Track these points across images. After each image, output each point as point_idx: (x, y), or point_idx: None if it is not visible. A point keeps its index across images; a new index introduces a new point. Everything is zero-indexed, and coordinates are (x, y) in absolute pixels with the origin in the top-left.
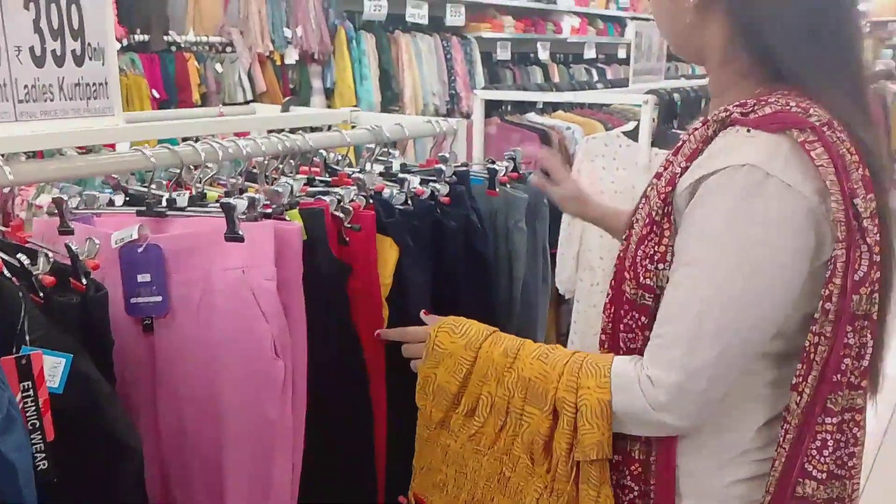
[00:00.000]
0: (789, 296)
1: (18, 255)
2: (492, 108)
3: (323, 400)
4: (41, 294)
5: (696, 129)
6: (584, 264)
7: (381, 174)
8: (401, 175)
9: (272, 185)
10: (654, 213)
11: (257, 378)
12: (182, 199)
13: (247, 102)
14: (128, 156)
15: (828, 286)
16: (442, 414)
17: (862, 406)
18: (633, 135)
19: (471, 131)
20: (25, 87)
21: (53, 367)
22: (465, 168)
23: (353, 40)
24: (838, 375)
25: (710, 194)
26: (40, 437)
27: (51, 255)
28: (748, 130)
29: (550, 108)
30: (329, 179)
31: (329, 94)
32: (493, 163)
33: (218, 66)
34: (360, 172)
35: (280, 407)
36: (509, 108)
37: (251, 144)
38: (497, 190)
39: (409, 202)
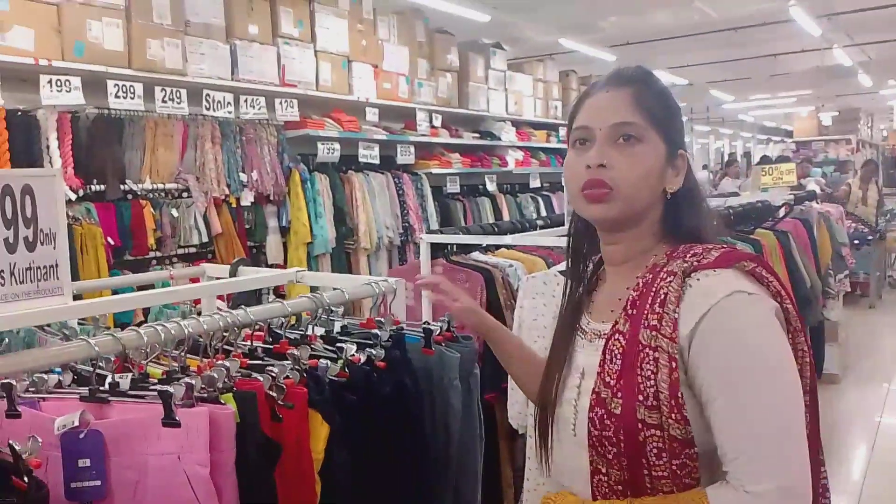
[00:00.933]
0: None
1: None
2: (438, 249)
3: None
4: None
5: (669, 281)
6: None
7: (322, 337)
8: (338, 343)
9: (216, 355)
10: (658, 355)
11: None
12: (125, 382)
13: (202, 244)
14: (73, 346)
15: (798, 365)
16: None
17: None
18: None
19: (417, 271)
20: None
21: None
22: (401, 331)
23: (307, 181)
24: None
25: (719, 321)
26: None
27: None
28: (714, 271)
29: (494, 246)
30: (271, 347)
31: (284, 231)
32: (429, 324)
33: (174, 211)
34: (299, 340)
35: None
36: (454, 248)
37: (193, 324)
38: (433, 349)
39: (346, 369)
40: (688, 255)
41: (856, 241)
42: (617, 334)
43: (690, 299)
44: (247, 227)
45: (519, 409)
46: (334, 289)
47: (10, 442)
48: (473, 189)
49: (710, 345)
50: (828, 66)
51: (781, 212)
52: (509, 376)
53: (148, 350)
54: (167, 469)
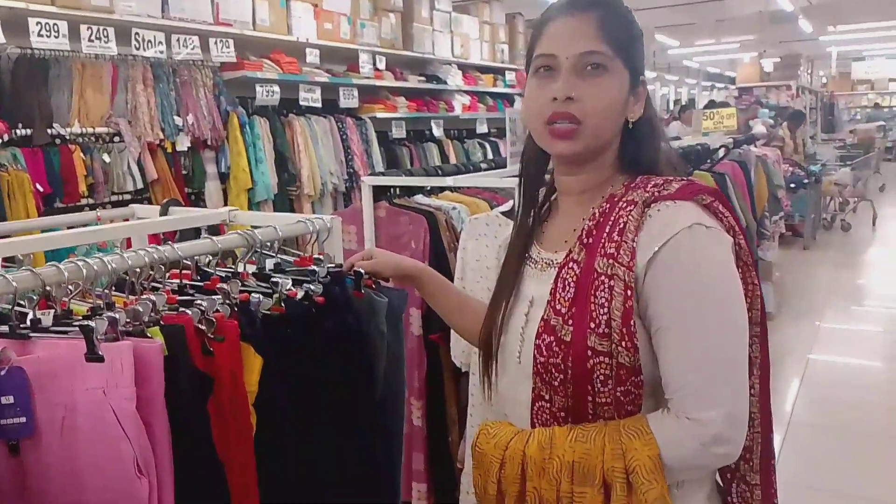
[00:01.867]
0: None
1: None
2: (381, 192)
3: None
4: None
5: (630, 210)
6: None
7: (254, 274)
8: (273, 278)
9: (142, 293)
10: (613, 283)
11: (122, 497)
12: (47, 318)
13: (137, 191)
14: None
15: (748, 298)
16: None
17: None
18: (511, 213)
19: (360, 215)
20: None
21: None
22: (339, 268)
23: (245, 125)
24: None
25: (676, 252)
26: None
27: None
28: (674, 202)
29: (438, 189)
30: (201, 284)
31: (224, 178)
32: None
33: (105, 157)
34: (230, 277)
35: None
36: (398, 191)
37: (117, 259)
38: (363, 292)
39: (283, 304)
40: (648, 186)
41: (792, 185)
42: (571, 263)
43: (650, 229)
44: (184, 173)
45: (463, 348)
46: (268, 226)
47: None
48: (420, 135)
49: (665, 275)
50: (771, 10)
51: (720, 153)
52: None
53: (70, 287)
54: (93, 405)
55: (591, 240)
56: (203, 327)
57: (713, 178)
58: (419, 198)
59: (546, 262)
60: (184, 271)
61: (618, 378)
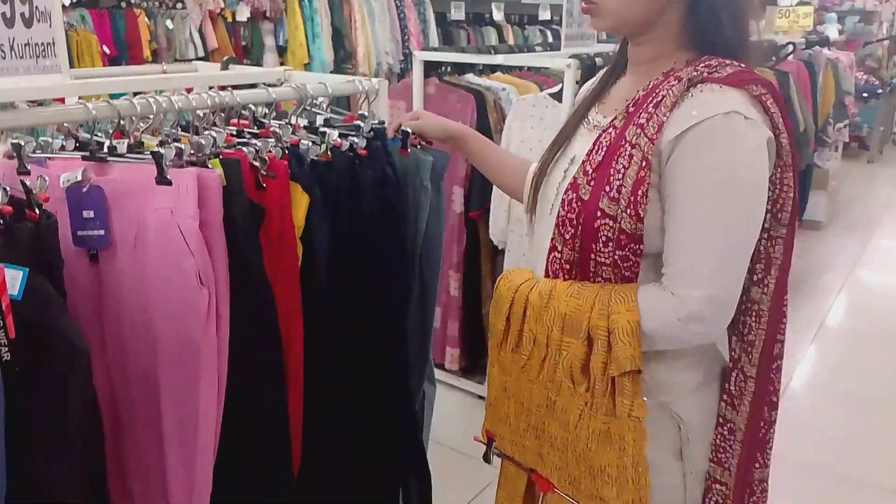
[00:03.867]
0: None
1: None
2: (432, 68)
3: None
4: (1, 221)
5: (672, 85)
6: (515, 217)
7: (305, 128)
8: (321, 129)
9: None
10: (633, 152)
11: (184, 305)
12: (122, 146)
13: (198, 59)
14: (72, 108)
15: (780, 199)
16: (496, 351)
17: None
18: (559, 96)
19: (410, 91)
20: None
21: (13, 279)
22: (382, 125)
23: None
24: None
25: (707, 136)
26: (4, 334)
27: (9, 189)
28: (720, 86)
29: (489, 69)
30: (257, 132)
31: (282, 52)
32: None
33: (168, 23)
34: (281, 126)
35: (204, 331)
36: (449, 69)
37: (182, 99)
38: (409, 150)
39: (329, 153)
40: (700, 65)
41: (864, 94)
42: (611, 128)
43: (685, 108)
44: (243, 44)
45: (500, 227)
46: (319, 83)
47: (21, 179)
48: (479, 17)
49: (688, 157)
50: None
51: (788, 50)
52: (492, 196)
53: (142, 123)
54: (162, 223)
55: (633, 108)
56: (257, 164)
57: (774, 76)
58: (470, 77)
59: (595, 125)
60: (242, 120)
61: (618, 242)
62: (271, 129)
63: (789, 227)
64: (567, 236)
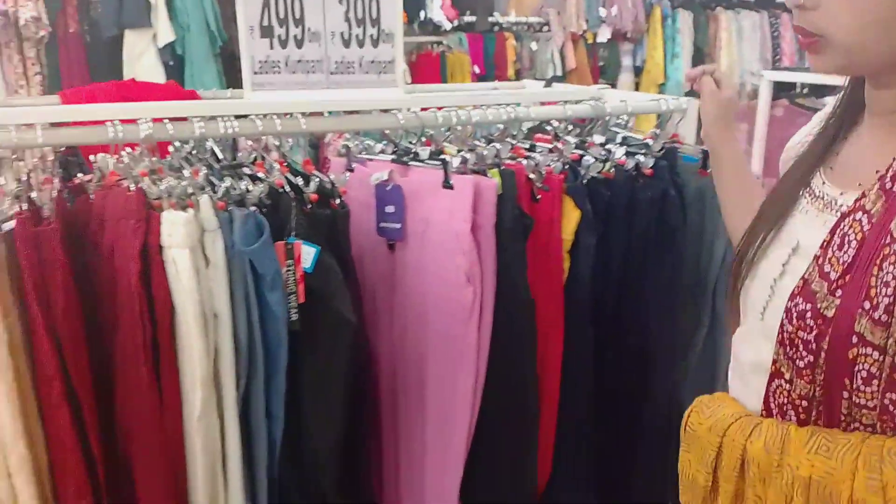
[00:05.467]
0: None
1: (298, 178)
2: (784, 89)
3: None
4: (308, 206)
5: None
6: None
7: (601, 144)
8: (608, 146)
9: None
10: None
11: (452, 300)
12: (424, 153)
13: (555, 78)
14: (383, 117)
15: None
16: None
17: None
18: None
19: (753, 113)
20: (336, 63)
21: (308, 254)
22: (673, 144)
23: (668, 18)
24: None
25: None
26: (294, 298)
27: (318, 180)
28: None
29: None
30: (549, 147)
31: (638, 72)
32: None
33: (533, 45)
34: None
35: (466, 326)
36: (805, 90)
37: (479, 113)
38: (709, 171)
39: (612, 171)
40: None
41: None
42: (860, 212)
43: None
44: (600, 64)
45: None
46: (621, 101)
47: (329, 174)
48: None
49: None
50: None
51: None
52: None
53: (442, 130)
54: (442, 223)
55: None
56: (533, 177)
57: None
58: (828, 100)
59: (827, 203)
60: (542, 135)
61: (890, 381)
62: (554, 145)
63: None
64: (801, 364)
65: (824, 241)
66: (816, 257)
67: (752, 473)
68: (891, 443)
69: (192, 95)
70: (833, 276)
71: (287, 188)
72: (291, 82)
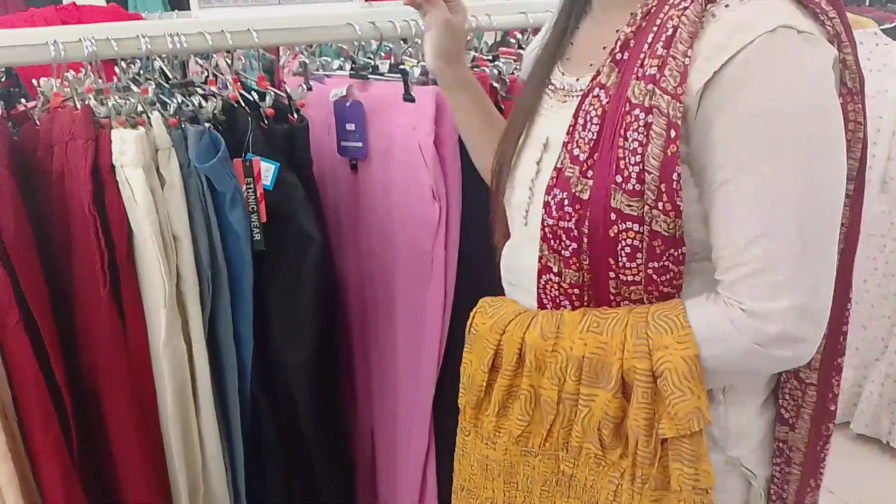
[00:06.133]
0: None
1: (252, 93)
2: None
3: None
4: (265, 122)
5: (683, 8)
6: None
7: None
8: None
9: None
10: (651, 119)
11: (418, 216)
12: (384, 66)
13: None
14: (340, 29)
15: (850, 155)
16: (474, 413)
17: None
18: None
19: None
20: None
21: (267, 171)
22: None
23: None
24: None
25: (750, 69)
26: (256, 217)
27: (273, 94)
28: None
29: None
30: (514, 57)
31: None
32: None
33: None
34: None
35: (434, 242)
36: None
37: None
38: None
39: None
40: None
41: None
42: (598, 89)
43: (712, 36)
44: None
45: None
46: None
47: (285, 86)
48: None
49: (731, 104)
50: None
51: None
52: None
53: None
54: (405, 138)
55: (626, 55)
56: (497, 85)
57: None
58: None
59: (567, 92)
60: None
61: (651, 251)
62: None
63: (857, 182)
64: (566, 253)
65: (570, 126)
66: (565, 143)
67: (528, 363)
68: (654, 308)
69: (137, 18)
70: (582, 157)
71: (242, 104)
72: (241, 1)
